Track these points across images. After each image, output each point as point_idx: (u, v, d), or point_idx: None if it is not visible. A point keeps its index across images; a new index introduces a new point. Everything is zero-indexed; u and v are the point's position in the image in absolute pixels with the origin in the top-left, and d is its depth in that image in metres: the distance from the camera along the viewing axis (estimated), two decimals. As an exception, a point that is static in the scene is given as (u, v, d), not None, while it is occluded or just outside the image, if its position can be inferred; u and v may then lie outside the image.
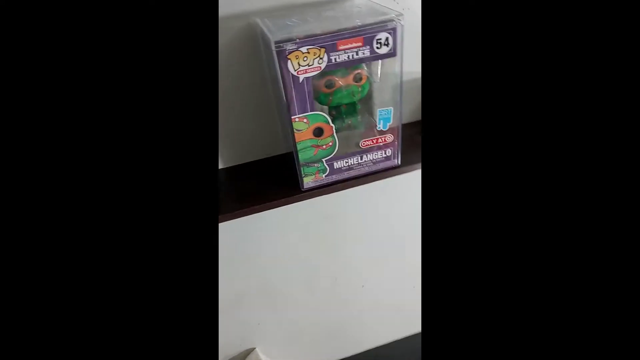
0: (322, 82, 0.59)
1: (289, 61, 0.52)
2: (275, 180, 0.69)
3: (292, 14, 0.60)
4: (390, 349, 1.25)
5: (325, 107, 0.62)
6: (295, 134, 0.58)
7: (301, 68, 0.53)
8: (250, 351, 1.11)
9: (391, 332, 1.26)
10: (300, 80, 0.54)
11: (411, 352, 1.22)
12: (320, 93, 0.60)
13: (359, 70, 0.60)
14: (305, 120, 0.58)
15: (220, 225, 0.79)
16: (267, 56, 0.62)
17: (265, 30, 0.55)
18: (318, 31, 0.52)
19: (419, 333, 1.25)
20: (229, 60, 0.64)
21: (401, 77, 0.58)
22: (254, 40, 0.63)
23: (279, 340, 1.13)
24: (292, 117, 0.57)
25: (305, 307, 1.09)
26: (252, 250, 0.91)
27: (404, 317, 1.21)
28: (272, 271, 0.97)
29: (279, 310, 1.07)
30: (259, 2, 0.61)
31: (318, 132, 0.59)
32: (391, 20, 0.53)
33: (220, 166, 0.75)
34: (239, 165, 0.75)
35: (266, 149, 0.75)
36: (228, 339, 1.07)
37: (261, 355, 1.11)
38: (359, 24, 0.52)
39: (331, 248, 0.98)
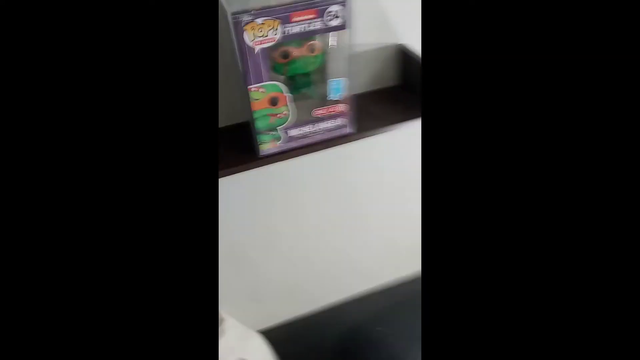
0: (278, 52, 0.61)
1: (245, 32, 0.54)
2: (234, 147, 0.71)
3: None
4: (345, 304, 1.34)
5: (282, 77, 0.65)
6: (252, 103, 0.61)
7: (257, 39, 0.55)
8: (214, 311, 1.17)
9: (347, 289, 1.35)
10: (256, 51, 0.56)
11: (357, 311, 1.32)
12: (276, 63, 0.63)
13: (313, 42, 0.63)
14: (261, 90, 0.60)
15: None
16: (225, 27, 0.63)
17: (223, 1, 0.56)
18: (273, 3, 0.54)
19: (369, 291, 1.35)
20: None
21: (353, 48, 0.62)
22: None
23: (242, 300, 1.19)
24: (249, 87, 0.59)
25: (266, 268, 1.15)
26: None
27: (358, 274, 1.30)
28: (233, 235, 1.01)
29: (241, 272, 1.12)
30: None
31: (273, 101, 0.62)
32: (342, -5, 0.56)
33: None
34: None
35: (225, 118, 0.77)
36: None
37: (224, 315, 1.16)
38: (313, -2, 0.55)
39: (290, 213, 1.03)
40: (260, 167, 0.69)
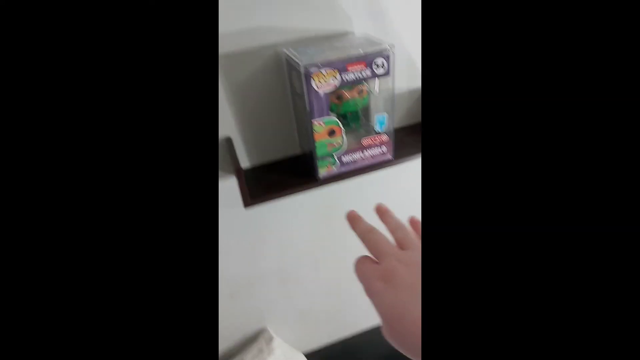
0: (334, 95, 0.78)
1: (312, 80, 0.71)
2: (295, 173, 0.87)
3: (310, 45, 0.79)
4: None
5: (336, 114, 0.82)
6: (315, 134, 0.77)
7: (321, 85, 0.72)
8: (262, 330, 1.27)
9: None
10: (320, 94, 0.73)
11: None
12: (332, 103, 0.79)
13: (362, 86, 0.79)
14: (322, 124, 0.76)
15: (241, 212, 0.97)
16: (290, 76, 0.80)
17: (292, 57, 0.74)
18: (333, 58, 0.71)
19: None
20: (258, 80, 0.82)
21: (393, 91, 0.78)
22: (279, 65, 0.82)
23: (289, 320, 1.29)
24: (313, 121, 0.75)
25: (313, 290, 1.25)
26: (268, 236, 1.08)
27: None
28: (284, 255, 1.14)
29: (291, 294, 1.23)
30: (284, 36, 0.80)
31: (331, 132, 0.78)
32: (385, 49, 0.73)
33: (248, 165, 0.93)
34: (263, 164, 0.93)
35: (284, 150, 0.94)
36: (241, 320, 1.22)
37: (273, 334, 1.26)
38: (362, 52, 0.72)
39: (338, 233, 1.16)
40: (317, 189, 0.83)
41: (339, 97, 0.79)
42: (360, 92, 0.80)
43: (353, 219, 0.42)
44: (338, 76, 0.72)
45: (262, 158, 0.93)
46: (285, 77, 0.84)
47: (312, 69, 0.70)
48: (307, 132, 0.80)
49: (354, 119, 0.83)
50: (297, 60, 0.72)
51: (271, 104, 0.86)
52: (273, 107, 0.87)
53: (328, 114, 0.76)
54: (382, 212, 0.43)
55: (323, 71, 0.71)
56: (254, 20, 0.77)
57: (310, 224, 1.11)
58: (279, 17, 0.78)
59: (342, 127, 0.78)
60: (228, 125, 0.86)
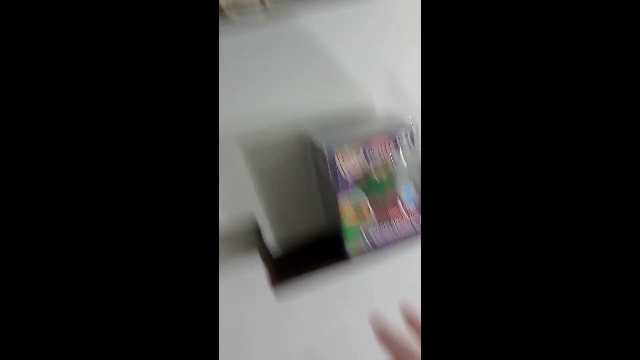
0: (360, 174, 0.78)
1: (336, 158, 0.71)
2: (322, 252, 0.84)
3: (333, 123, 0.81)
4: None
5: (361, 189, 0.80)
6: (341, 210, 0.76)
7: (345, 162, 0.72)
8: None
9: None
10: (344, 171, 0.72)
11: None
12: (357, 178, 0.79)
13: (386, 160, 0.79)
14: (347, 199, 0.75)
15: (269, 295, 0.93)
16: (314, 156, 0.81)
17: (316, 137, 0.75)
18: (357, 134, 0.72)
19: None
20: (282, 159, 0.83)
21: (419, 162, 0.77)
22: (303, 144, 0.84)
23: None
24: (338, 196, 0.74)
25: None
26: (296, 317, 1.02)
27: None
28: (311, 338, 1.07)
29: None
30: (307, 115, 0.82)
31: (358, 207, 0.77)
32: (408, 124, 0.73)
33: (275, 246, 0.91)
34: (290, 243, 0.91)
35: (311, 229, 0.92)
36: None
37: None
38: (385, 128, 0.73)
39: (363, 314, 1.09)
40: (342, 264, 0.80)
41: (364, 171, 0.78)
42: (385, 165, 0.79)
43: (383, 337, 0.42)
44: (361, 152, 0.72)
45: (289, 237, 0.91)
46: (309, 156, 0.85)
47: (336, 148, 0.71)
48: (333, 210, 0.78)
49: (380, 189, 0.82)
50: (320, 141, 0.73)
51: (296, 182, 0.86)
52: (298, 186, 0.87)
53: (353, 189, 0.75)
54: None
55: (347, 149, 0.71)
56: (276, 102, 0.80)
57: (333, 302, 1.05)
58: (301, 97, 0.81)
59: (368, 201, 0.77)
60: (254, 204, 0.86)
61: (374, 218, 0.78)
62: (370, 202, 0.77)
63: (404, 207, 0.80)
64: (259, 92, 0.78)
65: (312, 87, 0.81)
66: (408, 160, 0.79)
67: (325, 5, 0.64)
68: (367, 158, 0.73)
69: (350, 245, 0.79)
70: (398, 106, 0.86)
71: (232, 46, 0.74)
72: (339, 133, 0.75)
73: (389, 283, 1.07)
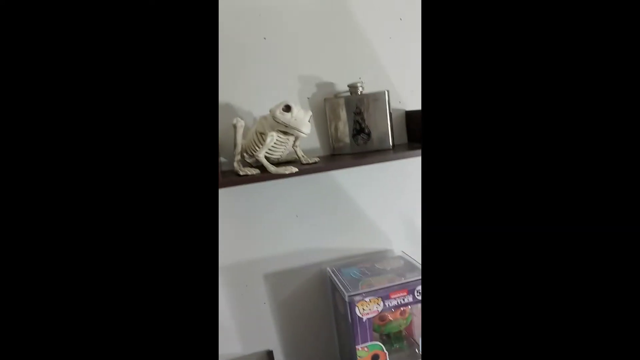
0: (377, 317, 0.79)
1: (356, 307, 0.73)
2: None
3: (353, 264, 0.85)
4: None
5: (379, 335, 0.81)
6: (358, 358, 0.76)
7: (364, 311, 0.74)
8: None
9: None
10: (364, 320, 0.74)
11: None
12: (375, 324, 0.80)
13: (404, 308, 0.81)
14: (365, 349, 0.76)
15: None
16: (333, 296, 0.84)
17: (337, 280, 0.78)
18: (376, 286, 0.75)
19: None
20: (302, 297, 0.86)
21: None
22: (323, 282, 0.87)
23: None
24: (357, 347, 0.75)
25: None
26: None
27: None
28: None
29: None
30: (329, 256, 0.87)
31: (375, 357, 0.77)
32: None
33: (287, 378, 0.90)
34: (302, 377, 0.90)
35: (326, 362, 0.91)
36: None
37: None
38: (404, 280, 0.76)
39: None
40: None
41: (382, 319, 0.80)
42: (403, 312, 0.81)
43: None
44: (381, 303, 0.75)
45: (302, 372, 0.90)
46: (329, 296, 0.88)
47: (356, 298, 0.73)
48: (350, 354, 0.79)
49: (398, 339, 0.83)
50: (342, 288, 0.76)
51: (314, 319, 0.88)
52: (316, 323, 0.88)
53: (371, 338, 0.76)
54: None
55: (367, 299, 0.74)
56: (301, 242, 0.85)
57: None
58: (326, 238, 0.86)
59: (386, 351, 0.77)
60: (270, 338, 0.87)
61: (391, 367, 0.78)
62: (387, 348, 0.77)
63: (421, 357, 0.80)
64: (285, 237, 0.84)
65: (337, 230, 0.86)
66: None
67: (351, 164, 0.72)
68: (385, 307, 0.75)
69: (365, 395, 0.78)
70: (414, 251, 0.90)
71: (261, 193, 0.81)
72: (359, 278, 0.78)
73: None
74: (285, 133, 0.69)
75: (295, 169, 0.68)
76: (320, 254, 0.86)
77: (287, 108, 0.67)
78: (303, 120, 0.67)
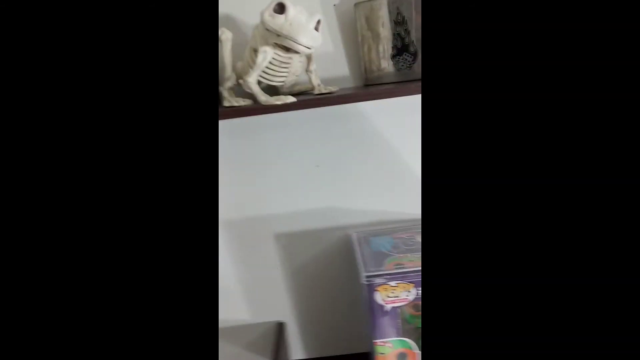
0: (411, 305, 0.60)
1: (377, 293, 0.54)
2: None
3: (385, 232, 0.64)
4: None
5: (413, 330, 0.62)
6: (377, 358, 0.58)
7: (389, 299, 0.55)
8: None
9: None
10: (387, 309, 0.55)
11: None
12: (410, 315, 0.60)
13: (449, 298, 0.60)
14: (388, 345, 0.57)
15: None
16: (356, 269, 0.65)
17: (358, 256, 0.59)
18: (409, 267, 0.54)
19: None
20: (327, 263, 0.69)
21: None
22: (350, 248, 0.69)
23: None
24: (375, 342, 0.57)
25: None
26: None
27: None
28: None
29: None
30: (356, 219, 0.67)
31: (401, 357, 0.58)
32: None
33: (307, 356, 0.76)
34: (324, 357, 0.76)
35: (351, 345, 0.75)
36: None
37: None
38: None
39: None
40: None
41: (417, 308, 0.60)
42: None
43: None
44: (414, 290, 0.54)
45: (321, 351, 0.76)
46: (354, 268, 0.69)
47: (376, 281, 0.54)
48: (371, 346, 0.61)
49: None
50: (361, 264, 0.57)
51: (335, 293, 0.71)
52: (337, 298, 0.71)
53: (399, 332, 0.57)
54: None
55: (392, 283, 0.54)
56: (321, 199, 0.66)
57: None
58: (353, 196, 0.67)
59: (417, 351, 0.58)
60: (282, 309, 0.72)
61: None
62: (420, 351, 0.58)
63: None
64: (304, 188, 0.66)
65: (362, 191, 0.66)
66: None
67: (385, 94, 0.50)
68: (419, 296, 0.55)
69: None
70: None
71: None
72: (389, 255, 0.58)
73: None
74: (287, 49, 0.49)
75: (292, 99, 0.49)
76: (345, 216, 0.68)
77: (280, 8, 0.46)
78: (304, 26, 0.46)
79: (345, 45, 0.61)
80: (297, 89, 0.59)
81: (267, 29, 0.47)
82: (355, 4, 0.57)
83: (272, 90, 0.55)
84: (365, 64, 0.59)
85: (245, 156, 0.65)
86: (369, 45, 0.57)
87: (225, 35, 0.51)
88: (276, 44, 0.48)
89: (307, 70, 0.55)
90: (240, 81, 0.56)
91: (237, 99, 0.53)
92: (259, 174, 0.66)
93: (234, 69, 0.54)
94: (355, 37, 0.59)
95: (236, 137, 0.64)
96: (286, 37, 0.46)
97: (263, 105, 0.49)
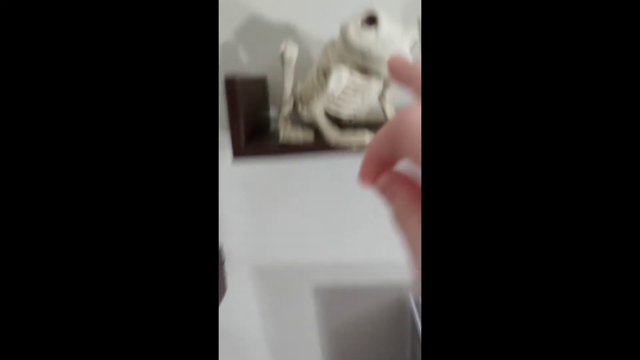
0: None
1: None
2: None
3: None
4: None
5: None
6: None
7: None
8: None
9: None
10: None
11: None
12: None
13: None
14: None
15: None
16: (413, 341, 0.54)
17: (418, 322, 0.48)
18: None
19: None
20: (375, 328, 0.58)
21: None
22: (404, 312, 0.57)
23: None
24: None
25: None
26: None
27: None
28: None
29: None
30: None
31: None
32: None
33: None
34: None
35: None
36: None
37: None
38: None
39: None
40: None
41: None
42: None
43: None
44: None
45: None
46: (407, 336, 0.58)
47: None
48: None
49: None
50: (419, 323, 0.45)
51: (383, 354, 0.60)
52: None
53: None
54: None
55: None
56: (374, 250, 0.55)
57: None
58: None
59: None
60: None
61: None
62: None
63: None
64: (355, 235, 0.55)
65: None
66: None
67: None
68: None
69: None
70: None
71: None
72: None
73: None
74: (365, 71, 0.39)
75: (370, 137, 0.38)
76: (401, 273, 0.56)
77: (371, 20, 0.35)
78: (399, 45, 0.35)
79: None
80: (365, 120, 0.48)
81: (349, 47, 0.36)
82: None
83: (337, 121, 0.45)
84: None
85: (283, 191, 0.54)
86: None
87: (290, 52, 0.41)
88: (354, 64, 0.38)
89: (381, 97, 0.44)
90: (301, 105, 0.46)
91: (296, 130, 0.43)
92: (299, 214, 0.55)
93: (293, 91, 0.44)
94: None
95: (274, 167, 0.54)
96: (376, 60, 0.35)
97: (331, 143, 0.39)
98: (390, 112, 0.46)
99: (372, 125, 0.49)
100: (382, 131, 0.19)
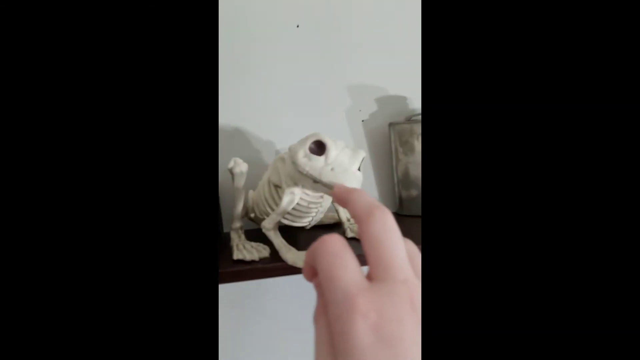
0: None
1: None
2: None
3: None
4: None
5: None
6: None
7: None
8: None
9: None
10: None
11: None
12: None
13: None
14: None
15: None
16: None
17: None
18: None
19: None
20: None
21: None
22: None
23: None
24: None
25: None
26: None
27: None
28: None
29: None
30: None
31: None
32: None
33: None
34: None
35: None
36: None
37: None
38: None
39: None
40: None
41: None
42: None
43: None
44: None
45: None
46: None
47: None
48: None
49: None
50: None
51: None
52: None
53: None
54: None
55: None
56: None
57: None
58: None
59: None
60: None
61: None
62: None
63: None
64: None
65: None
66: None
67: None
68: None
69: None
70: None
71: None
72: None
73: None
74: (317, 189, 0.38)
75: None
76: None
77: (319, 147, 0.35)
78: (347, 168, 0.35)
79: (376, 167, 0.51)
80: (320, 221, 0.48)
81: (299, 171, 0.36)
82: (390, 124, 0.48)
83: (296, 227, 0.44)
84: (399, 187, 0.49)
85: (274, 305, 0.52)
86: (405, 167, 0.48)
87: (239, 168, 0.40)
88: (304, 185, 0.38)
89: (334, 202, 0.44)
90: (254, 215, 0.44)
91: (249, 247, 0.41)
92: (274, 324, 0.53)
93: (244, 202, 0.43)
94: (390, 158, 0.49)
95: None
96: (326, 185, 0.35)
97: (288, 262, 0.37)
98: (344, 215, 0.45)
99: (329, 225, 0.48)
100: (309, 249, 0.21)
